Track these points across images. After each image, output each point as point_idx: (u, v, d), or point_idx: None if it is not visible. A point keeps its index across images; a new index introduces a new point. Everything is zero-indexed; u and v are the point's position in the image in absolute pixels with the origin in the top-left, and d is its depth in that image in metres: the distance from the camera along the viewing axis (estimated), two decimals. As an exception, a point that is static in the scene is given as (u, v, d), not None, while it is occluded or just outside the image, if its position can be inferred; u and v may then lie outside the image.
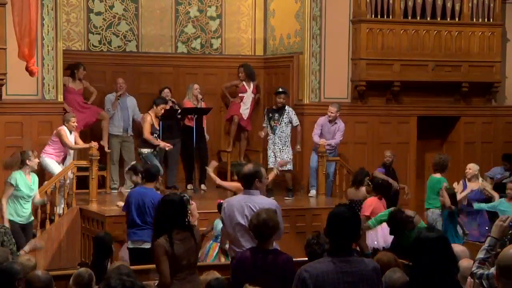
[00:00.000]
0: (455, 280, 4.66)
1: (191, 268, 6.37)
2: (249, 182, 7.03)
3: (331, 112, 12.86)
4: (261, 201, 6.99)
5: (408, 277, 5.55)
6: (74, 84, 12.92)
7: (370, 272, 4.84)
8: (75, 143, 11.88)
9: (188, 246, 6.32)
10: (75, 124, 11.82)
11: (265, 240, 6.04)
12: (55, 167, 11.62)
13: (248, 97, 14.15)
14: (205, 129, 13.72)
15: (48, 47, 12.22)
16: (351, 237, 4.87)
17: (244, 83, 14.13)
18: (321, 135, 12.93)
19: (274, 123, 12.79)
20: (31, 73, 11.05)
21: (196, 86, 13.58)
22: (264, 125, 12.98)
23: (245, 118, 14.18)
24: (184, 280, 6.29)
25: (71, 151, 12.00)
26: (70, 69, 12.88)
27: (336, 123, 12.98)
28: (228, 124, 14.42)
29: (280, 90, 12.94)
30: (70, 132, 11.79)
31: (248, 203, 6.90)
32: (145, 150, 12.33)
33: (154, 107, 12.47)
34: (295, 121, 12.82)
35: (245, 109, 14.14)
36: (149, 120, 12.34)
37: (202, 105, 13.57)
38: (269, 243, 6.08)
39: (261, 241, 6.07)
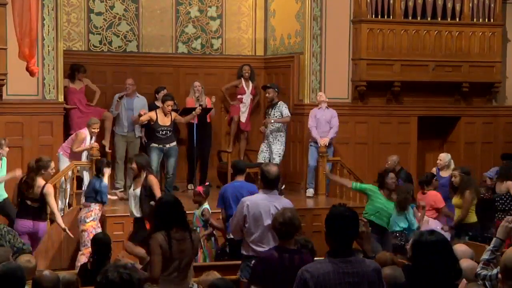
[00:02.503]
0: (455, 284, 4.65)
1: (181, 271, 6.34)
2: (275, 183, 7.23)
3: (319, 95, 13.03)
4: (284, 201, 7.24)
5: (397, 274, 5.57)
6: (74, 84, 12.90)
7: (371, 273, 4.85)
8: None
9: (183, 247, 6.31)
10: (97, 130, 11.87)
11: (288, 239, 6.10)
12: (64, 166, 11.61)
13: (246, 98, 14.16)
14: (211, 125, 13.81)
15: (48, 47, 12.22)
16: (351, 237, 4.89)
17: (243, 84, 14.13)
18: (317, 126, 12.93)
19: (268, 118, 13.02)
20: (31, 73, 11.05)
21: (196, 83, 13.58)
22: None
23: (245, 119, 14.19)
24: (173, 282, 6.28)
25: (84, 153, 11.95)
26: (71, 70, 12.86)
27: (327, 108, 13.02)
28: (229, 125, 14.43)
29: (267, 85, 13.15)
30: (91, 137, 11.82)
31: (273, 203, 7.05)
32: (152, 145, 12.57)
33: (163, 105, 12.60)
34: (285, 113, 12.92)
35: (244, 111, 14.15)
36: (151, 115, 12.57)
37: (206, 101, 13.57)
38: (292, 242, 6.12)
39: (284, 240, 6.09)
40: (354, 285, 4.77)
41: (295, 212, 6.29)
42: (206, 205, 9.70)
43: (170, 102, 12.62)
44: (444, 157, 12.30)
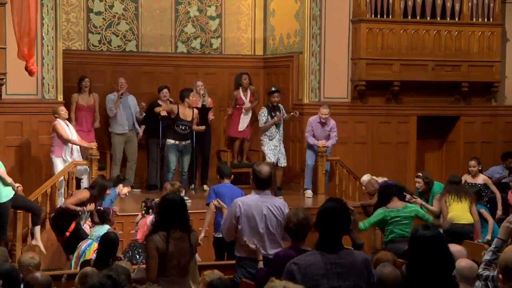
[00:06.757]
0: (451, 278, 4.67)
1: (180, 271, 6.34)
2: (268, 183, 7.11)
3: (325, 114, 12.85)
4: (276, 201, 7.14)
5: (398, 271, 5.57)
6: (83, 99, 12.85)
7: (359, 264, 4.88)
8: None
9: (181, 247, 6.30)
10: (66, 112, 11.68)
11: (302, 239, 6.05)
12: (59, 167, 11.56)
13: (247, 107, 14.07)
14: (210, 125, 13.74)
15: (48, 46, 12.21)
16: (340, 231, 4.91)
17: (241, 94, 14.05)
18: (313, 135, 12.93)
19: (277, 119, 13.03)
20: (30, 73, 11.05)
21: (198, 83, 13.52)
22: (263, 124, 13.01)
23: (246, 128, 14.15)
24: (173, 282, 6.27)
25: (75, 147, 11.83)
26: (78, 83, 12.89)
27: (326, 123, 12.99)
28: (230, 139, 14.43)
29: (273, 89, 13.17)
30: (67, 125, 11.70)
31: (265, 203, 6.97)
32: (169, 141, 12.42)
33: (187, 100, 12.45)
34: (285, 113, 13.19)
35: (245, 123, 14.10)
36: (172, 108, 12.45)
37: (208, 101, 13.54)
38: (305, 242, 6.07)
39: (298, 240, 6.06)
40: (342, 275, 4.79)
41: (307, 212, 6.24)
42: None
43: (193, 93, 12.62)
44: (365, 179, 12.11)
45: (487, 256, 5.25)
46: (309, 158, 13.06)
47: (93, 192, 10.08)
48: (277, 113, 13.01)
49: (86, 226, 10.26)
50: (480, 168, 12.22)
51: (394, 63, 13.84)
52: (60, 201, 11.47)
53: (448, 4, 13.96)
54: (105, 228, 9.36)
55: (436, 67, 14.03)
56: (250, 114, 14.15)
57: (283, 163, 13.13)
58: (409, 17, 13.80)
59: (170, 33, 14.46)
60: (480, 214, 10.86)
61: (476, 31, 14.24)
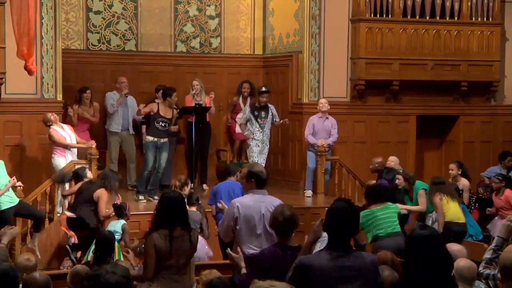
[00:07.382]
0: (449, 278, 4.67)
1: (179, 269, 6.34)
2: (265, 182, 7.14)
3: (325, 103, 12.88)
4: (274, 200, 7.12)
5: (396, 274, 5.59)
6: (83, 109, 12.77)
7: (368, 266, 4.89)
8: (76, 141, 11.77)
9: (180, 245, 6.29)
10: (56, 116, 11.58)
11: (289, 236, 6.06)
12: (61, 166, 11.53)
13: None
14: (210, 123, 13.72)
15: (47, 46, 12.20)
16: (350, 232, 4.92)
17: (240, 101, 13.99)
18: (313, 134, 12.92)
19: (262, 121, 12.89)
20: (29, 72, 11.04)
21: (194, 82, 13.48)
22: (242, 121, 12.94)
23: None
24: (171, 279, 6.27)
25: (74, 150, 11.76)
26: (78, 94, 12.83)
27: (327, 118, 12.97)
28: (232, 139, 14.39)
29: (264, 89, 13.01)
30: (62, 127, 11.61)
31: (263, 203, 6.96)
32: (148, 138, 12.25)
33: (168, 99, 12.27)
34: (276, 116, 12.98)
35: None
36: (152, 107, 12.32)
37: (206, 99, 13.50)
38: (291, 239, 6.09)
39: (285, 238, 6.07)
40: (352, 278, 4.80)
41: (293, 209, 6.26)
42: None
43: (175, 93, 12.45)
44: (394, 159, 12.18)
45: (487, 255, 5.26)
46: (310, 161, 13.03)
47: (106, 184, 10.07)
48: (258, 119, 12.84)
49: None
50: (459, 172, 11.82)
51: (394, 62, 13.84)
52: (59, 201, 11.48)
53: (448, 4, 13.96)
54: (121, 223, 9.50)
55: (435, 66, 14.03)
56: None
57: (262, 164, 13.02)
58: (409, 17, 13.80)
59: (169, 33, 14.46)
60: None
61: (476, 31, 14.24)
